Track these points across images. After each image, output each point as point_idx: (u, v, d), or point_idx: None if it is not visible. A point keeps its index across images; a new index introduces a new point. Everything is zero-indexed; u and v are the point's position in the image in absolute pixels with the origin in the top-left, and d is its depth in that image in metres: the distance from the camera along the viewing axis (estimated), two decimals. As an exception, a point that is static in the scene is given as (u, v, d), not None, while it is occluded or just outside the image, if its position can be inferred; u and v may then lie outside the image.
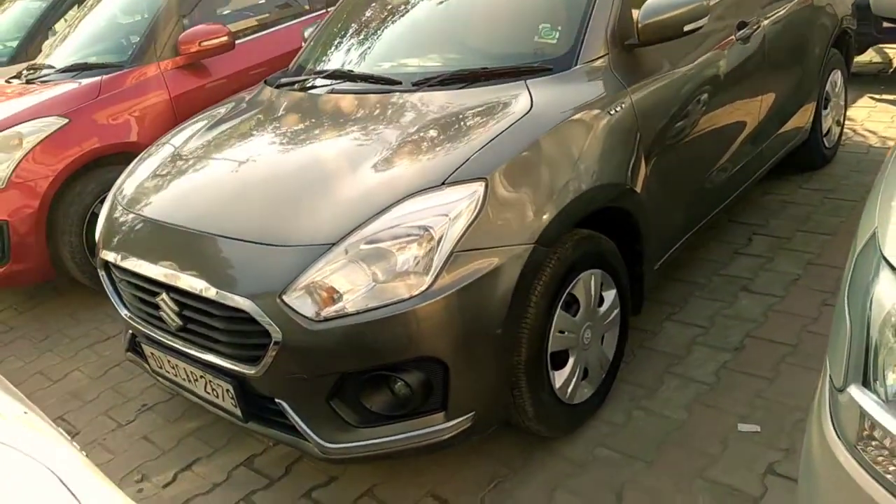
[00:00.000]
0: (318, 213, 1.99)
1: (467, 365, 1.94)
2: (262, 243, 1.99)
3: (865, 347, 1.17)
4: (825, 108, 3.96)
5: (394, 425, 1.97)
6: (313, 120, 2.50)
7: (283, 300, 1.88)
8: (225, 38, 3.96)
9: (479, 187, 1.94)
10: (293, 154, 2.33)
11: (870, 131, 4.64)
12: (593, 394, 2.38)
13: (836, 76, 4.04)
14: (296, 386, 1.98)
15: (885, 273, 1.16)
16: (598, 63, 2.40)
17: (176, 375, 2.32)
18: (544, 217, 2.03)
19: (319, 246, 1.91)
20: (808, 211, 3.65)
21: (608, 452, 2.27)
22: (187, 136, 2.72)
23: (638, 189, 2.39)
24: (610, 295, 2.39)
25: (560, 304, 2.15)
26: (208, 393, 2.20)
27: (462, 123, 2.17)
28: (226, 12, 4.40)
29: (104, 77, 3.88)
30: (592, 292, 2.28)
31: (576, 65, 2.37)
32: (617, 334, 2.47)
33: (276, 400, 2.03)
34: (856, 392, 1.16)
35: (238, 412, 2.12)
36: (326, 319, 1.86)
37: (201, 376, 2.18)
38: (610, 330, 2.42)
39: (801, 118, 3.67)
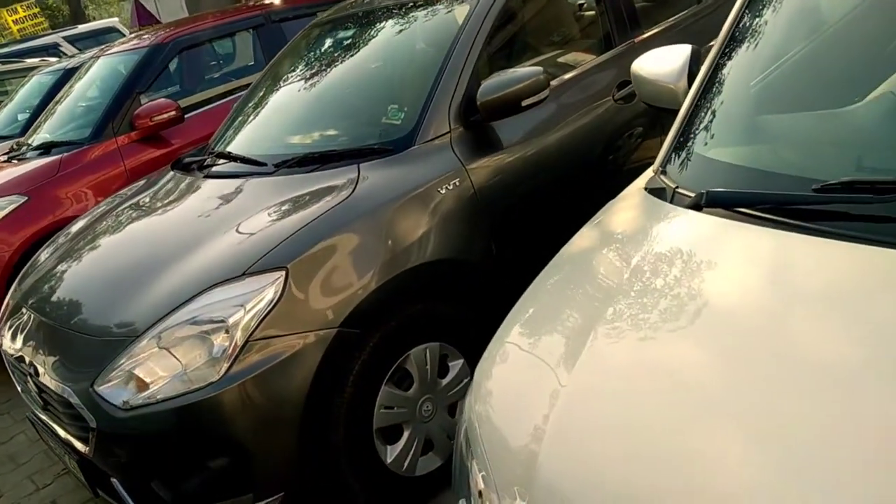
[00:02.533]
0: (130, 303, 2.13)
1: (269, 448, 2.03)
2: (82, 333, 2.16)
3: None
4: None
5: (209, 506, 2.08)
6: (178, 204, 2.67)
7: (94, 390, 2.02)
8: (174, 113, 4.21)
9: (279, 276, 2.04)
10: (135, 243, 2.51)
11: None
12: (442, 465, 2.42)
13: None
14: (120, 467, 2.11)
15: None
16: (437, 141, 2.47)
17: (54, 448, 2.49)
18: (352, 299, 2.11)
19: (128, 337, 2.05)
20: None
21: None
22: (80, 223, 2.94)
23: (478, 259, 2.44)
24: (456, 365, 2.43)
25: (385, 380, 2.21)
26: (70, 466, 2.37)
27: (281, 212, 2.28)
28: (178, 88, 4.68)
29: (64, 155, 4.20)
30: (428, 366, 2.33)
31: (413, 145, 2.45)
32: (472, 403, 2.50)
33: (111, 478, 2.16)
34: None
35: (86, 485, 2.27)
36: (134, 407, 1.99)
37: (64, 452, 2.35)
38: (461, 399, 2.46)
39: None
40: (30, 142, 4.71)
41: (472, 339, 2.45)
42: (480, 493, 1.07)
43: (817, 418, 0.82)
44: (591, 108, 2.81)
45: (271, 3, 5.26)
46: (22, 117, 6.24)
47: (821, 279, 0.99)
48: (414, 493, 2.36)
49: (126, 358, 2.02)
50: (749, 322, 0.98)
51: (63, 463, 2.51)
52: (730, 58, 1.44)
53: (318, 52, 3.28)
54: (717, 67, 1.45)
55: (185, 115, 4.33)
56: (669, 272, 1.14)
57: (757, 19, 1.47)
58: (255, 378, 1.97)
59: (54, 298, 2.43)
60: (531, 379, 1.11)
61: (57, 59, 8.76)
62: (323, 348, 2.05)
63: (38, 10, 12.64)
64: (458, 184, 2.41)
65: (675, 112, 1.51)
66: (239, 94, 4.65)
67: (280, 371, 2.00)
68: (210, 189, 2.67)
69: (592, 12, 3.33)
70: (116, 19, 12.27)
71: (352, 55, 3.10)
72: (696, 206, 1.23)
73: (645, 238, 1.26)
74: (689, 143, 1.40)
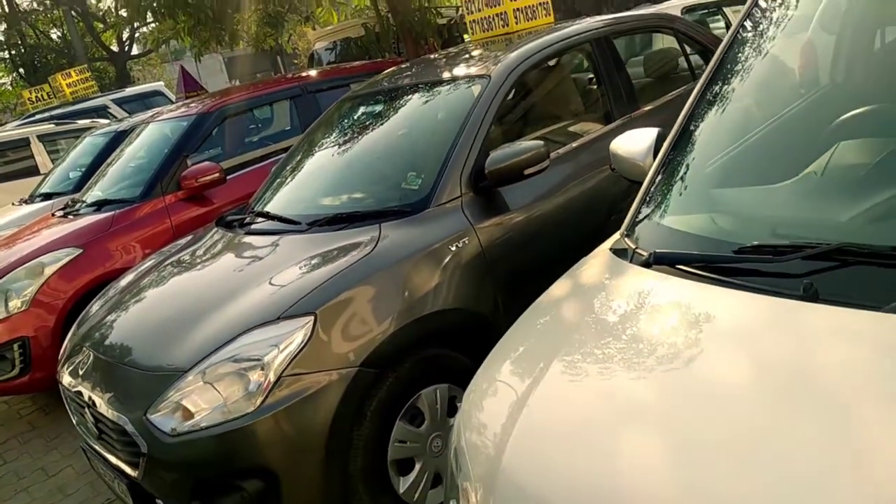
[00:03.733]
0: (181, 343, 2.45)
1: (297, 473, 2.31)
2: (137, 369, 2.48)
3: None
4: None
5: (242, 526, 2.35)
6: (220, 258, 3.01)
7: (147, 418, 2.33)
8: (217, 175, 4.62)
9: (308, 321, 2.35)
10: (185, 291, 2.84)
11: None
12: (451, 497, 2.67)
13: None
14: (166, 488, 2.40)
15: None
16: (450, 205, 2.80)
17: (105, 475, 2.79)
18: (371, 343, 2.41)
19: (176, 371, 2.36)
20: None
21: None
22: (133, 275, 3.30)
23: (486, 312, 2.73)
24: (465, 406, 2.70)
25: (399, 416, 2.49)
26: (119, 492, 2.66)
27: (316, 263, 2.61)
28: (220, 151, 5.12)
29: (117, 212, 4.61)
30: (438, 405, 2.61)
31: (429, 207, 2.78)
32: (479, 441, 2.76)
33: (157, 500, 2.45)
34: None
35: (135, 509, 2.56)
36: (180, 434, 2.29)
37: (113, 478, 2.64)
38: (469, 437, 2.72)
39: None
40: (84, 199, 5.14)
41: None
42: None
43: (717, 426, 1.09)
44: (590, 177, 3.13)
45: (308, 76, 5.74)
46: (74, 175, 6.74)
47: (729, 322, 1.27)
48: (424, 523, 2.61)
49: (174, 391, 2.33)
50: (673, 355, 1.26)
51: (111, 489, 2.80)
52: (680, 142, 1.74)
53: (348, 122, 3.67)
54: (671, 149, 1.76)
55: (227, 177, 4.73)
56: (618, 317, 1.43)
57: (704, 110, 1.78)
58: (285, 410, 2.26)
59: (111, 341, 2.77)
60: (504, 405, 1.39)
61: (106, 120, 9.40)
62: (345, 385, 2.34)
63: (89, 74, 13.48)
64: (467, 242, 2.73)
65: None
66: (276, 157, 5.08)
67: (307, 404, 2.29)
68: (249, 245, 3.02)
69: (595, 88, 3.68)
70: (161, 83, 13.07)
71: (378, 126, 3.48)
72: (647, 264, 1.52)
73: (604, 289, 1.55)
74: (647, 212, 1.70)
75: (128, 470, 2.50)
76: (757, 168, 1.69)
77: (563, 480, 1.17)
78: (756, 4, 1.86)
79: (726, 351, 1.21)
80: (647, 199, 1.73)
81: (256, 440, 2.26)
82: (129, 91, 12.59)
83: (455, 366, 2.66)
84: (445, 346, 2.67)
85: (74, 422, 2.98)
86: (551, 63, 3.60)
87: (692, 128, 1.77)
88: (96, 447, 2.73)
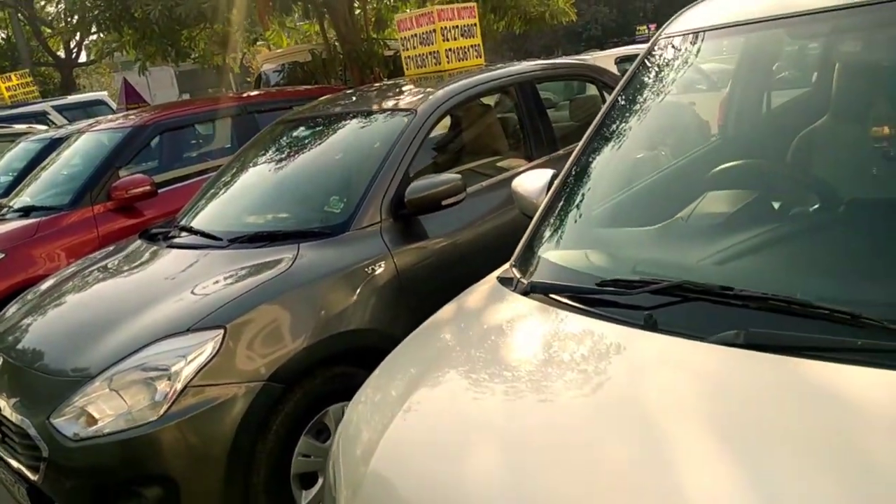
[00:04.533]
0: (91, 349, 2.49)
1: (198, 483, 2.36)
2: (44, 373, 2.51)
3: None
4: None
5: (141, 534, 2.38)
6: (136, 269, 3.06)
7: (49, 422, 2.36)
8: (148, 188, 4.65)
9: (217, 334, 2.42)
10: (100, 298, 2.88)
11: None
12: (352, 512, 2.74)
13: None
14: (66, 494, 2.42)
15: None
16: (369, 229, 2.92)
17: (5, 480, 2.78)
18: (280, 358, 2.49)
19: (83, 377, 2.40)
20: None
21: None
22: (54, 279, 3.31)
23: (397, 332, 2.83)
24: (371, 425, 2.79)
25: (305, 431, 2.57)
26: (19, 496, 2.65)
27: (233, 278, 2.68)
28: (156, 164, 5.14)
29: (43, 218, 4.58)
30: (344, 422, 2.69)
31: (348, 230, 2.89)
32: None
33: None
34: None
35: (33, 512, 2.56)
36: (83, 439, 2.32)
37: (13, 483, 2.64)
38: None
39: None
40: (11, 204, 5.08)
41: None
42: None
43: (547, 436, 1.24)
44: (505, 211, 3.29)
45: (250, 95, 5.82)
46: (5, 179, 6.63)
47: (579, 346, 1.43)
48: (324, 536, 2.68)
49: (80, 396, 2.36)
50: (524, 375, 1.41)
51: (11, 495, 2.78)
52: (566, 185, 1.92)
53: (279, 144, 3.77)
54: (559, 190, 1.93)
55: (159, 190, 4.75)
56: (489, 339, 1.57)
57: (590, 157, 1.96)
58: (189, 419, 2.32)
59: (21, 345, 2.77)
60: (379, 415, 1.51)
61: (45, 126, 9.24)
62: (250, 398, 2.41)
63: (30, 79, 13.22)
64: (383, 266, 2.84)
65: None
66: (209, 174, 5.12)
67: (211, 415, 2.35)
68: (170, 258, 3.07)
69: (518, 128, 3.87)
70: (105, 93, 12.90)
71: (307, 150, 3.60)
72: (525, 292, 1.67)
73: (483, 313, 1.69)
74: (533, 246, 1.85)
75: (28, 474, 2.50)
76: (634, 212, 1.88)
77: (421, 484, 1.29)
78: (642, 66, 2.06)
79: (570, 371, 1.36)
80: (535, 233, 1.89)
81: (159, 448, 2.31)
82: (71, 99, 12.39)
83: (358, 383, 2.75)
84: (356, 365, 2.77)
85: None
86: (476, 102, 3.79)
87: (580, 171, 1.94)
88: (-1, 452, 2.73)
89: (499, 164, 3.68)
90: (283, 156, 3.64)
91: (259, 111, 5.47)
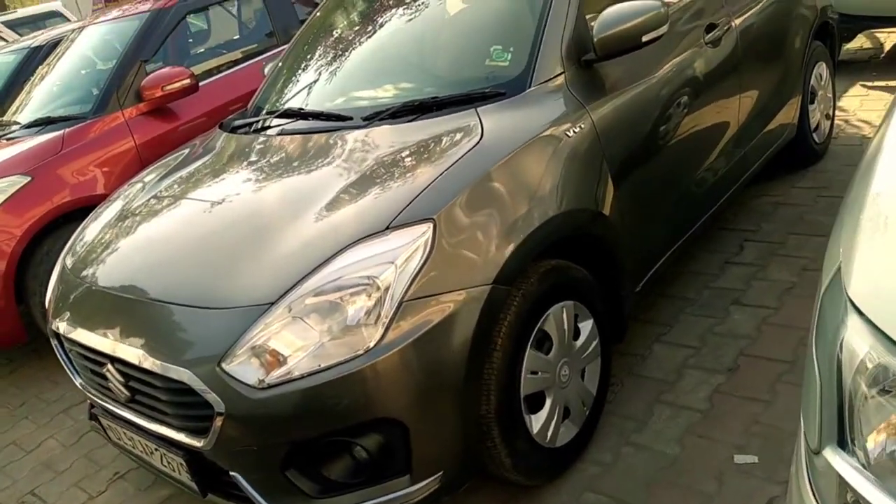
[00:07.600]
0: (256, 269, 1.85)
1: (429, 423, 1.80)
2: (197, 306, 1.86)
3: (839, 404, 1.01)
4: (812, 102, 3.80)
5: (357, 492, 1.83)
6: (257, 166, 2.37)
7: (222, 368, 1.75)
8: (188, 81, 3.85)
9: (426, 229, 1.80)
10: (233, 206, 2.20)
11: (863, 121, 4.47)
12: (577, 433, 2.23)
13: (821, 69, 3.88)
14: (248, 457, 1.84)
15: (852, 318, 1.01)
16: (553, 83, 2.26)
17: (134, 447, 2.18)
18: (501, 254, 1.88)
19: (259, 306, 1.77)
20: (801, 212, 3.48)
21: (596, 498, 2.11)
22: (135, 191, 2.61)
23: (606, 212, 2.24)
24: (587, 326, 2.23)
25: (530, 343, 2.00)
26: (165, 466, 2.07)
27: (409, 160, 2.03)
28: (191, 53, 4.30)
29: (66, 130, 3.79)
30: (566, 326, 2.13)
31: (530, 87, 2.23)
32: (599, 366, 2.31)
33: (231, 473, 1.88)
34: (832, 456, 1.00)
35: (194, 486, 1.98)
36: (271, 386, 1.72)
37: (156, 449, 2.05)
38: (591, 363, 2.27)
39: (786, 115, 3.52)
40: (15, 119, 4.25)
41: (598, 298, 2.28)
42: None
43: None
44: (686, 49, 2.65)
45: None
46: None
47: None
48: (552, 466, 2.16)
49: (257, 331, 1.75)
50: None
51: (143, 464, 2.20)
52: None
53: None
54: None
55: (199, 83, 3.96)
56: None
57: None
58: (412, 344, 1.73)
59: (134, 275, 2.12)
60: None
61: None
62: (479, 308, 1.82)
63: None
64: (583, 126, 2.21)
65: None
66: (251, 61, 4.34)
67: (439, 335, 1.77)
68: (295, 146, 2.39)
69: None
70: (59, 2, 11.47)
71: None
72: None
73: None
74: None
75: (185, 439, 1.91)
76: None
77: None
78: None
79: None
80: None
81: (378, 385, 1.72)
82: (22, 13, 11.03)
83: (575, 278, 2.18)
84: (567, 255, 2.18)
85: (79, 383, 2.34)
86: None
87: None
88: (123, 413, 2.12)
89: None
90: (390, 11, 2.88)
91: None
